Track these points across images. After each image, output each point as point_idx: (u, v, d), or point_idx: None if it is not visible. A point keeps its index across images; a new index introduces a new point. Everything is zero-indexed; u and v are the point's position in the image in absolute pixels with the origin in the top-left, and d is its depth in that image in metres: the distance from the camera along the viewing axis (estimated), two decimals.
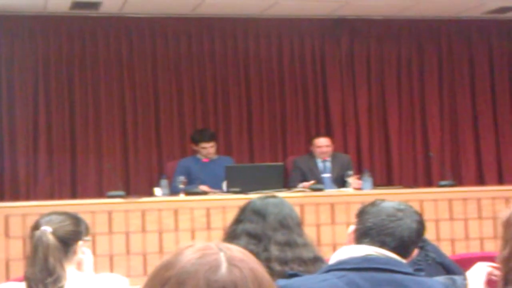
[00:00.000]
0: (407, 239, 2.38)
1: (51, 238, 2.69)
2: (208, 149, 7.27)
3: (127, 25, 8.08)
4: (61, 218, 2.81)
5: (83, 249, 2.84)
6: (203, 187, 6.84)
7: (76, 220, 2.85)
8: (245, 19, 8.30)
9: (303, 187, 6.80)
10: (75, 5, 7.58)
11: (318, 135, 7.79)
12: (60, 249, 2.70)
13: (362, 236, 2.39)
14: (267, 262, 2.85)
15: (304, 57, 8.54)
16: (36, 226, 2.77)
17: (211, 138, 7.36)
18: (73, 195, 7.75)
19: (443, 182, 7.19)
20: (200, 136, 7.34)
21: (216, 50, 8.33)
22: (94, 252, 4.05)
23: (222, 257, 1.22)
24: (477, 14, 8.58)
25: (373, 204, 2.46)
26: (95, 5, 7.63)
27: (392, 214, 2.41)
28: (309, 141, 7.71)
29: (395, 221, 2.39)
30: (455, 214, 6.67)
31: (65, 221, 2.80)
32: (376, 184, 7.26)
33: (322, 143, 7.45)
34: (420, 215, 2.49)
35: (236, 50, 8.39)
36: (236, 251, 1.25)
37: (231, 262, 1.21)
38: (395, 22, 8.63)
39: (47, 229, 2.71)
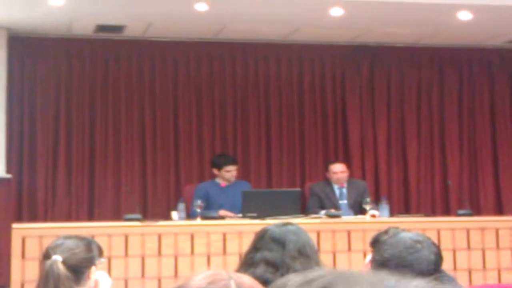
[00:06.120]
0: (426, 271, 2.36)
1: (61, 268, 2.63)
2: (232, 172, 7.29)
3: (150, 49, 8.13)
4: (72, 245, 2.73)
5: (100, 273, 2.79)
6: (223, 212, 6.84)
7: (87, 244, 2.78)
8: (267, 44, 8.33)
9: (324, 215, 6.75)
10: (99, 28, 7.65)
11: (334, 161, 7.78)
12: (71, 278, 2.63)
13: (379, 267, 2.37)
14: None
15: (325, 83, 8.54)
16: (46, 255, 2.70)
17: (235, 161, 7.42)
18: (90, 217, 7.77)
19: (461, 211, 7.14)
20: (224, 160, 7.37)
21: (237, 75, 8.36)
22: (109, 275, 4.04)
23: (232, 284, 1.24)
24: (498, 43, 8.56)
25: (387, 232, 2.44)
26: (119, 29, 7.69)
27: (410, 246, 2.38)
28: (325, 167, 7.70)
29: (413, 253, 2.36)
30: (472, 244, 6.62)
31: (76, 248, 2.71)
32: (394, 212, 7.21)
33: (338, 169, 7.43)
34: (437, 246, 2.47)
35: (257, 76, 8.41)
36: (246, 279, 1.27)
37: None
38: (416, 49, 8.62)
39: (57, 258, 2.65)
